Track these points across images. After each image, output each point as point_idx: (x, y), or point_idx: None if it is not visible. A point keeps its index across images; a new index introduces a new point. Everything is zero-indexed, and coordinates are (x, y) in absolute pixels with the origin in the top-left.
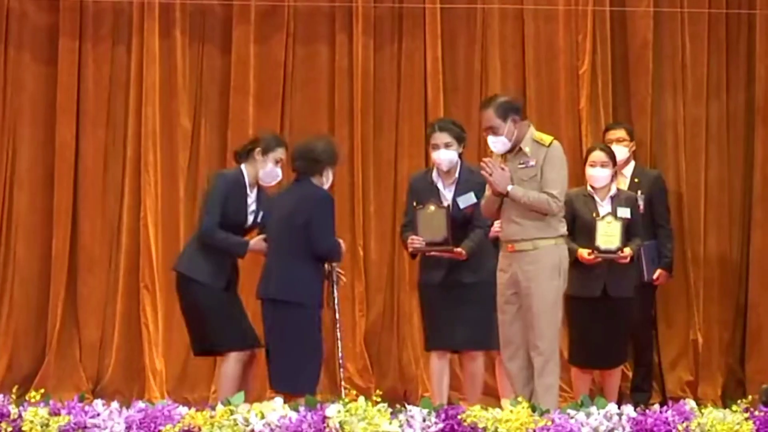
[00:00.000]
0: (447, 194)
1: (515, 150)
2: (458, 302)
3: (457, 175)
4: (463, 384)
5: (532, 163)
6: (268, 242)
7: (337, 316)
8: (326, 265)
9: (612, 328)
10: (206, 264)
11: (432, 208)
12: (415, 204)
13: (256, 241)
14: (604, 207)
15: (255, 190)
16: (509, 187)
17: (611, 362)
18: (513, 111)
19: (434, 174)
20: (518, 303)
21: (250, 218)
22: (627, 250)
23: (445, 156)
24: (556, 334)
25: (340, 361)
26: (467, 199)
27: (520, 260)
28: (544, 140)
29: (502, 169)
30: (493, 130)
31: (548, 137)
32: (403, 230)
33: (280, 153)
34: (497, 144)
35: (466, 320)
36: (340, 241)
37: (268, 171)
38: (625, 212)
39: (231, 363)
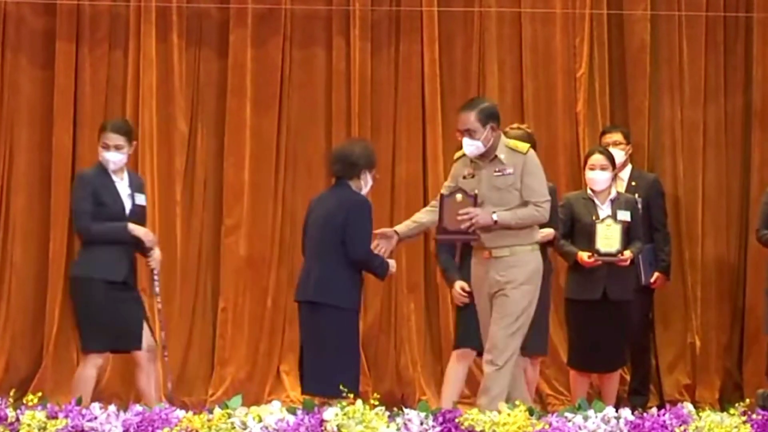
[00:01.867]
0: None
1: (491, 157)
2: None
3: None
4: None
5: (509, 171)
6: (305, 245)
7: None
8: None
9: (611, 332)
10: (93, 261)
11: (459, 196)
12: (442, 193)
13: (136, 226)
14: (604, 210)
15: (125, 176)
16: (494, 216)
17: (610, 366)
18: (493, 118)
19: None
20: (491, 309)
21: (128, 203)
22: (627, 253)
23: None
24: (518, 343)
25: None
26: None
27: (497, 266)
28: (520, 148)
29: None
30: (470, 133)
31: (524, 145)
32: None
33: (103, 138)
34: (472, 147)
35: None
36: (391, 261)
37: (102, 157)
38: (625, 215)
39: (87, 366)
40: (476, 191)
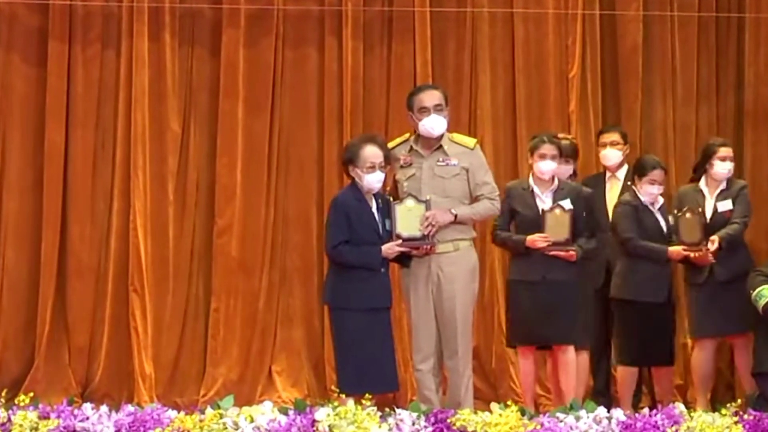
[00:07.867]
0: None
1: (435, 147)
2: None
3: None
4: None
5: (454, 162)
6: None
7: None
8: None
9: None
10: None
11: (410, 202)
12: (391, 199)
13: None
14: (546, 202)
15: None
16: (453, 212)
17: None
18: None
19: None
20: (433, 307)
21: None
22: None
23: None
24: (471, 336)
25: None
26: None
27: (441, 261)
28: (467, 142)
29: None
30: (440, 110)
31: (470, 139)
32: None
33: None
34: (444, 123)
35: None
36: (381, 247)
37: None
38: (567, 204)
39: None
40: (429, 197)
